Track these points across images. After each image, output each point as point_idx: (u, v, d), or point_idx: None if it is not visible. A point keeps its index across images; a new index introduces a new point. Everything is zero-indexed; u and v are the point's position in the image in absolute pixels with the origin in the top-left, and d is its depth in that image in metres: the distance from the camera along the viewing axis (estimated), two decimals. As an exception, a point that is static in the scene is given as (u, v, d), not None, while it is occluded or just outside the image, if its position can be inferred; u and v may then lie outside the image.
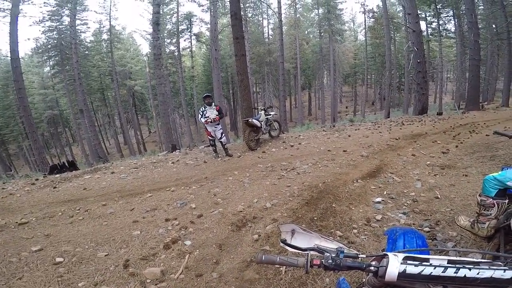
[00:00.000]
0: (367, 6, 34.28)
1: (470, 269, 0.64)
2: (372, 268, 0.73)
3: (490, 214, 2.09)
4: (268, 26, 30.97)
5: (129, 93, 29.61)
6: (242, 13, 21.42)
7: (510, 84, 18.44)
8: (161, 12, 19.90)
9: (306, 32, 34.41)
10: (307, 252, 0.77)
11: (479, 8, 20.62)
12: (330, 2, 27.51)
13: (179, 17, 24.23)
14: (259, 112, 7.54)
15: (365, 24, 31.88)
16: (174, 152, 8.92)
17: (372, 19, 29.63)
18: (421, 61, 13.23)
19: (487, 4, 19.76)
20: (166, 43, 25.25)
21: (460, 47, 21.09)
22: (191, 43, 27.23)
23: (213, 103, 6.57)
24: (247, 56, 20.64)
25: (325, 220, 3.20)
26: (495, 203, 2.05)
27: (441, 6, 21.16)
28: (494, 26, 20.88)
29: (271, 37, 30.76)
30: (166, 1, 22.56)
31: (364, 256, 0.78)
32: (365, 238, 2.81)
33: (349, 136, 7.92)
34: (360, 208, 3.43)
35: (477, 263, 0.67)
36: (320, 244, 0.82)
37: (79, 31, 22.20)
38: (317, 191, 3.98)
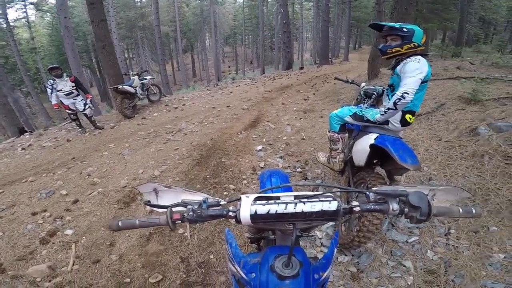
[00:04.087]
0: None
1: (304, 203, 0.66)
2: (231, 213, 0.72)
3: (338, 148, 2.42)
4: None
5: None
6: None
7: (349, 42, 23.07)
8: None
9: None
10: (169, 208, 0.72)
11: None
12: None
13: None
14: (132, 77, 6.84)
15: None
16: (23, 136, 6.99)
17: None
18: (287, 22, 14.51)
19: None
20: None
21: (316, 9, 23.95)
22: (27, 12, 22.29)
23: (65, 74, 5.61)
24: (113, 21, 17.65)
25: (218, 176, 3.31)
26: (340, 137, 2.38)
27: None
28: None
29: (144, 0, 27.39)
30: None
31: (225, 202, 0.77)
32: (254, 187, 3.07)
33: (231, 92, 8.26)
34: (246, 159, 3.71)
35: (315, 197, 0.70)
36: (186, 198, 0.78)
37: None
38: (206, 149, 4.03)
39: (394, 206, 0.70)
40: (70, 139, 5.53)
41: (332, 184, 0.74)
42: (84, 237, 2.50)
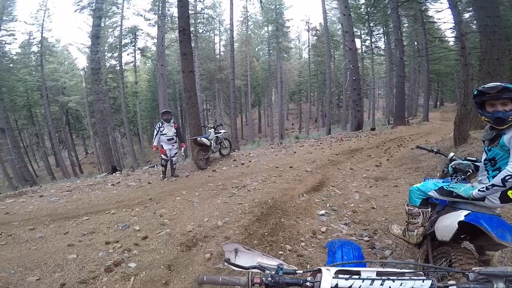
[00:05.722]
0: (311, 24, 36.09)
1: (393, 280, 0.67)
2: (308, 283, 0.74)
3: (417, 222, 2.24)
4: (220, 43, 30.70)
5: (61, 110, 26.47)
6: (192, 29, 21.43)
7: (429, 100, 21.13)
8: (103, 25, 18.71)
9: (256, 49, 34.77)
10: (249, 270, 0.78)
11: (404, 25, 21.82)
12: (278, 20, 28.68)
13: (123, 31, 22.89)
14: (209, 130, 7.45)
15: (308, 42, 33.66)
16: (114, 173, 8.26)
17: (315, 37, 31.64)
18: (356, 79, 14.04)
19: (410, 22, 21.07)
20: (106, 57, 23.63)
21: (389, 64, 22.43)
22: (135, 57, 25.99)
23: (172, 120, 6.46)
24: (197, 72, 20.54)
25: (275, 235, 3.27)
26: (421, 212, 2.21)
27: (373, 24, 21.91)
28: (416, 43, 22.81)
29: (222, 53, 30.42)
30: (108, 14, 21.33)
31: (302, 272, 0.80)
32: (312, 250, 2.93)
33: (295, 152, 8.30)
34: (306, 221, 3.59)
35: (402, 274, 0.71)
36: (262, 262, 0.83)
37: (3, 43, 19.65)
38: (266, 207, 4.08)
39: (500, 285, 0.67)
40: (151, 182, 6.18)
41: (426, 264, 0.71)
42: (144, 272, 2.64)
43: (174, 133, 6.36)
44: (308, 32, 32.09)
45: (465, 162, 2.18)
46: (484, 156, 1.95)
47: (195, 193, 5.04)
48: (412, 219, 2.26)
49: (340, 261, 1.13)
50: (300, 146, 9.53)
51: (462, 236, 1.90)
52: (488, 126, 1.88)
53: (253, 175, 5.97)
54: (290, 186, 5.03)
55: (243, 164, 7.13)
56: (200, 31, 25.22)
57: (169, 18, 15.78)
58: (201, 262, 2.81)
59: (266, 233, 3.32)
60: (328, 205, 4.11)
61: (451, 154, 2.40)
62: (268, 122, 34.28)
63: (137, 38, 24.32)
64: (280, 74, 28.40)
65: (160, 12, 15.05)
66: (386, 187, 4.85)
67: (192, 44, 21.12)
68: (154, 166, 8.69)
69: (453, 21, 7.48)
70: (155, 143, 6.33)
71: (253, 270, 0.79)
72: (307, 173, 5.86)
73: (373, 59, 26.25)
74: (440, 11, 26.44)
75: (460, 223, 1.72)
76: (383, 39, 24.29)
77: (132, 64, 26.49)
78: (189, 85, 7.87)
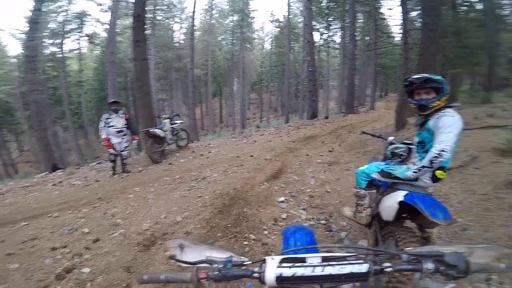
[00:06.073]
0: (274, 16, 36.82)
1: (333, 265, 0.68)
2: (255, 274, 0.73)
3: (364, 203, 2.41)
4: (180, 31, 29.61)
5: (-12, 102, 22.93)
6: (150, 15, 19.93)
7: (375, 90, 23.14)
8: (45, 10, 16.35)
9: (219, 39, 34.09)
10: (196, 266, 0.75)
11: (359, 21, 23.01)
12: (244, 10, 28.43)
13: (69, 16, 20.52)
14: (163, 121, 7.10)
15: (271, 33, 34.40)
16: (55, 172, 7.47)
17: (278, 29, 32.27)
18: (312, 70, 14.75)
19: (365, 18, 22.53)
20: (46, 43, 20.96)
21: (342, 57, 24.20)
22: (80, 44, 23.74)
23: (121, 110, 5.97)
24: (153, 60, 19.41)
25: (239, 225, 3.29)
26: (367, 193, 2.39)
27: (331, 18, 23.28)
28: (367, 38, 24.90)
29: (182, 42, 29.34)
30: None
31: (250, 262, 0.79)
32: (275, 238, 3.02)
33: (255, 141, 8.41)
34: (267, 210, 3.67)
35: (344, 258, 0.72)
36: (211, 255, 0.79)
37: None
38: (228, 198, 4.06)
39: (429, 265, 0.70)
40: (99, 179, 5.78)
41: (362, 246, 0.75)
42: (100, 277, 2.51)
43: (124, 124, 5.90)
44: (272, 23, 32.45)
45: (401, 145, 2.41)
46: (416, 139, 2.16)
47: (150, 188, 4.83)
48: (360, 201, 2.43)
49: (293, 247, 1.15)
50: (261, 135, 9.69)
51: (403, 216, 2.05)
52: (417, 113, 2.09)
53: (213, 166, 5.89)
54: (251, 175, 5.07)
55: (202, 155, 6.99)
56: (159, 18, 23.66)
57: (124, 4, 14.49)
58: (162, 260, 2.73)
59: (229, 225, 3.31)
60: (287, 192, 4.25)
61: (390, 138, 2.62)
62: (230, 112, 34.02)
63: (84, 24, 22.06)
64: (243, 64, 28.25)
65: (113, -5, 13.67)
66: (339, 171, 5.18)
67: (148, 31, 19.96)
68: (101, 162, 8.05)
69: (402, 18, 8.27)
70: (104, 136, 5.74)
71: (200, 265, 0.76)
72: (267, 161, 5.97)
73: (329, 52, 27.85)
74: (391, 9, 28.73)
75: (399, 203, 1.87)
76: (339, 34, 25.63)
77: (77, 52, 24.19)
78: (141, 73, 7.48)
